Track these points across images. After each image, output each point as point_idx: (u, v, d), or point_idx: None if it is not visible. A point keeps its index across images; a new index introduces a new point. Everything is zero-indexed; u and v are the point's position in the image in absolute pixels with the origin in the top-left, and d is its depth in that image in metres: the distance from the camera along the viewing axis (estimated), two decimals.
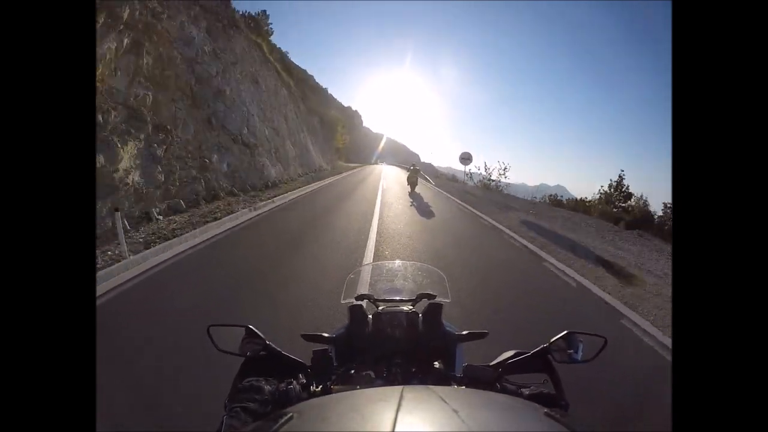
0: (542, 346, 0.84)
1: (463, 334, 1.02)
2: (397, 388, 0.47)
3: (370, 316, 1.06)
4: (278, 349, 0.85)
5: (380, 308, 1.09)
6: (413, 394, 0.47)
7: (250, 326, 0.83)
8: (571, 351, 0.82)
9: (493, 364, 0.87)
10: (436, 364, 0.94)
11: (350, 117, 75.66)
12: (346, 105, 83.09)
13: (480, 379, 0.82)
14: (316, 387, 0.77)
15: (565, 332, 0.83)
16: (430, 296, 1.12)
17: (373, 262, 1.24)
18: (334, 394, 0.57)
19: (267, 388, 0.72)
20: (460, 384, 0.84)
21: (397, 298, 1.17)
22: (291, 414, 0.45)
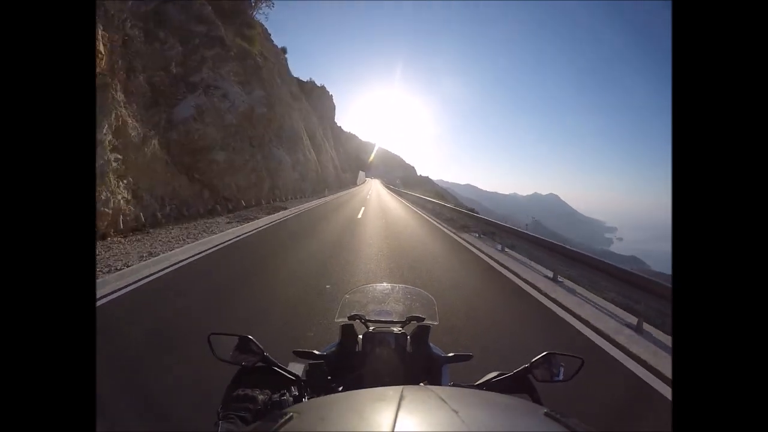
0: (523, 366, 0.88)
1: (449, 356, 1.07)
2: (397, 388, 0.47)
3: (361, 336, 1.09)
4: (274, 360, 0.87)
5: (371, 328, 1.13)
6: (413, 394, 0.47)
7: (249, 336, 0.85)
8: (554, 371, 0.88)
9: (477, 384, 0.92)
10: (422, 385, 0.97)
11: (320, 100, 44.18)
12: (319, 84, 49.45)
13: None
14: (308, 400, 0.79)
15: (545, 353, 0.88)
16: (418, 319, 1.16)
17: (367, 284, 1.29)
18: (333, 394, 0.57)
19: (260, 398, 0.73)
20: None
21: (388, 319, 1.21)
22: (291, 414, 0.45)
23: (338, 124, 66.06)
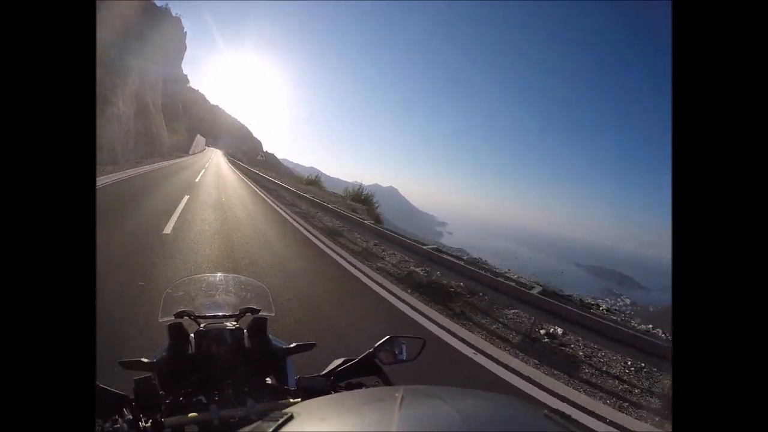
0: (368, 351, 0.91)
1: (291, 347, 1.02)
2: (398, 388, 0.47)
3: (192, 335, 1.00)
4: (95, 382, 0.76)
5: (202, 325, 1.04)
6: (413, 393, 0.47)
7: None
8: (397, 352, 0.92)
9: (325, 374, 0.92)
10: (269, 380, 0.94)
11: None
12: None
13: (314, 389, 0.83)
14: (146, 422, 0.72)
15: (388, 337, 0.92)
16: (253, 310, 1.09)
17: (192, 275, 1.18)
18: (333, 394, 0.56)
19: None
20: (295, 397, 0.84)
21: (220, 313, 1.12)
22: (290, 414, 0.44)
23: (185, 74, 48.04)
